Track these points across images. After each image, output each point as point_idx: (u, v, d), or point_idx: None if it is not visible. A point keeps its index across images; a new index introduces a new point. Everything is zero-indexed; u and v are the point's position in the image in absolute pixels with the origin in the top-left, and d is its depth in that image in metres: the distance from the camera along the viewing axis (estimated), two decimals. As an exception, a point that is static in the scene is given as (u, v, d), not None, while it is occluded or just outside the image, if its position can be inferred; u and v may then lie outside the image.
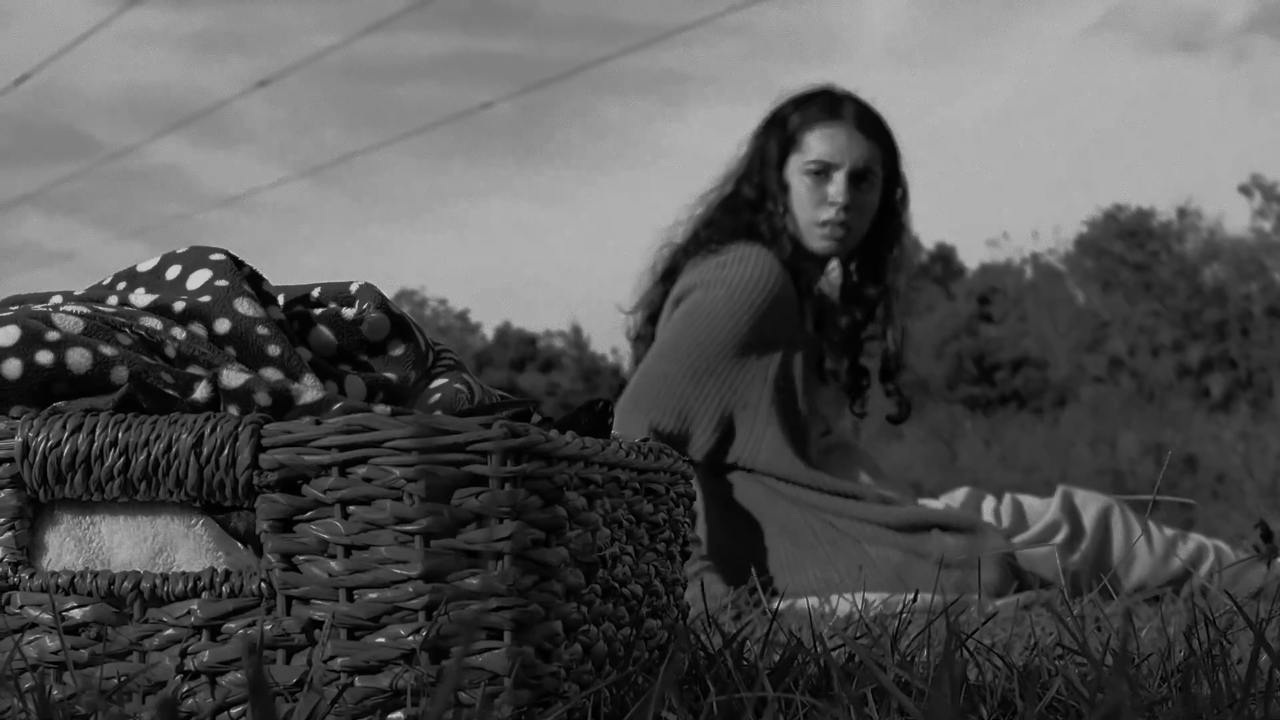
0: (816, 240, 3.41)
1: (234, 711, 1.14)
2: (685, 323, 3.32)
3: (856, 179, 3.40)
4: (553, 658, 1.14)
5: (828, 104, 3.44)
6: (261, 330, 1.29)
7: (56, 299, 1.35)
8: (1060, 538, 3.28)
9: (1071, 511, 3.34)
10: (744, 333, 3.27)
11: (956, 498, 3.40)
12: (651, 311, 3.53)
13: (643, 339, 3.55)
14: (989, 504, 3.37)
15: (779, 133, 3.45)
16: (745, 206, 3.44)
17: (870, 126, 3.43)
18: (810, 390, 3.40)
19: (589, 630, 1.24)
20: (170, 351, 1.26)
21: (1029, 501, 3.39)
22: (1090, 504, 3.36)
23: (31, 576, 1.18)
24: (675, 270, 3.47)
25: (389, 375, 1.35)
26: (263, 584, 1.14)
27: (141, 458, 1.15)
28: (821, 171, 3.39)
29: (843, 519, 3.25)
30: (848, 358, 3.52)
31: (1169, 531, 3.37)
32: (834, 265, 3.55)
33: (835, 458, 3.45)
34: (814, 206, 3.39)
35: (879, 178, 3.45)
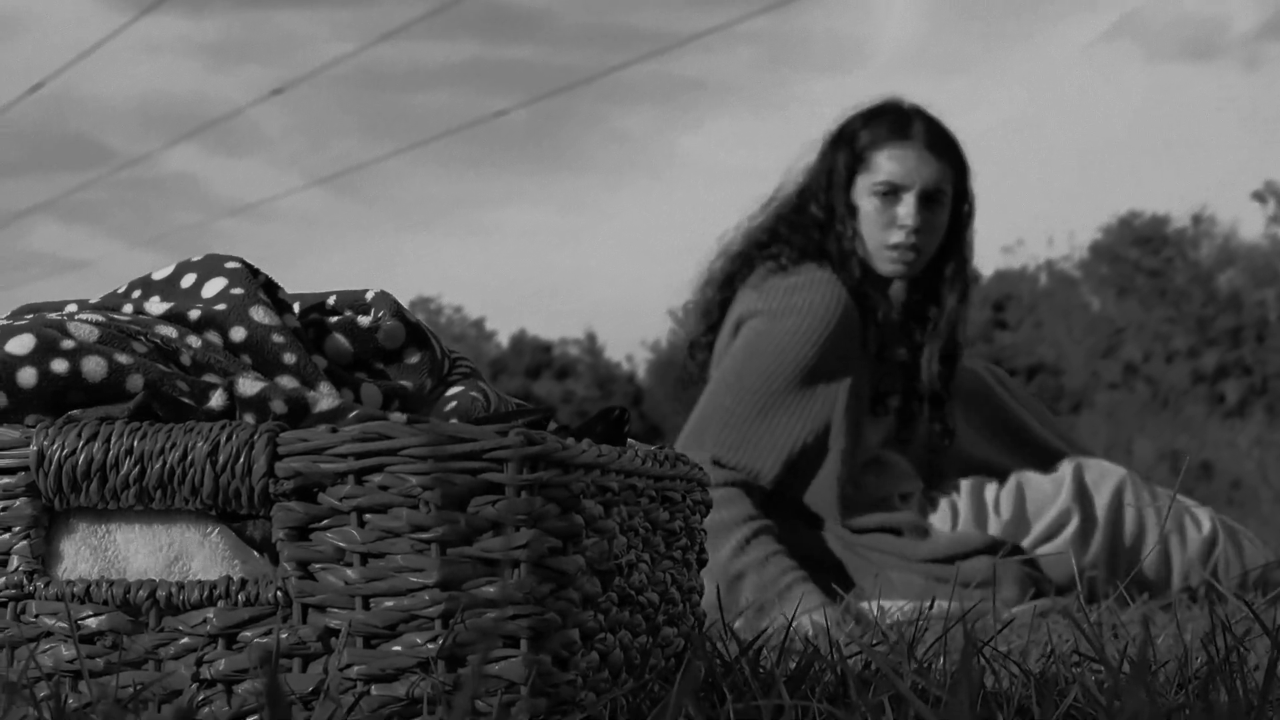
0: (885, 263, 3.33)
1: (250, 720, 1.14)
2: (747, 353, 3.25)
3: (926, 200, 3.31)
4: (569, 666, 1.14)
5: (896, 122, 3.35)
6: (277, 338, 1.29)
7: (71, 307, 1.35)
8: (1071, 529, 3.24)
9: (1083, 496, 3.29)
10: (811, 365, 3.18)
11: (962, 487, 3.35)
12: (710, 322, 3.44)
13: (698, 346, 3.47)
14: (991, 491, 3.33)
15: (846, 151, 3.36)
16: (813, 225, 3.36)
17: (940, 145, 3.35)
18: (865, 422, 3.34)
19: (605, 638, 1.23)
20: (185, 360, 1.26)
21: (1035, 483, 3.33)
22: (1103, 485, 3.30)
23: (47, 585, 1.18)
24: (733, 278, 3.39)
25: (405, 383, 1.35)
26: (279, 592, 1.14)
27: (157, 466, 1.15)
28: (890, 193, 3.31)
29: (871, 551, 3.22)
30: (903, 382, 3.44)
31: (1204, 527, 3.32)
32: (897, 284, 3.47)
33: (869, 478, 3.38)
34: (883, 229, 3.31)
35: (948, 197, 3.36)
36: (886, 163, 3.31)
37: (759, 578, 3.04)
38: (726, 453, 3.19)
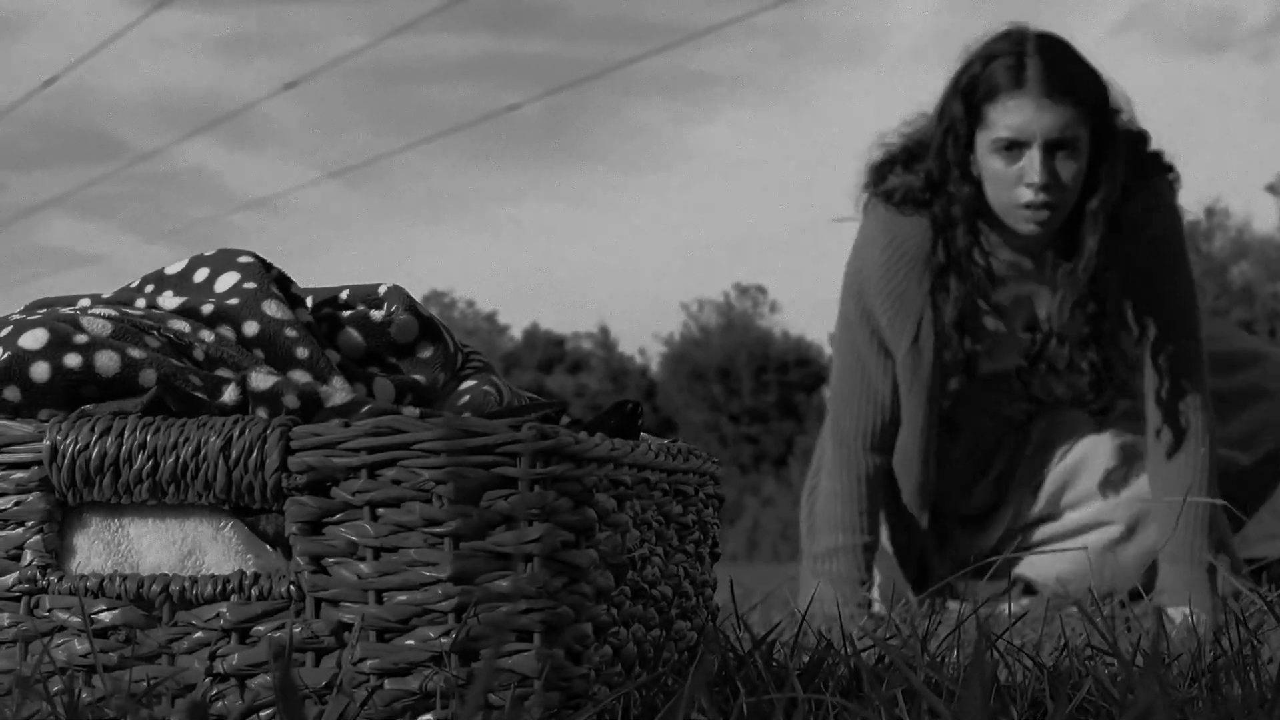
0: (1020, 223, 3.00)
1: (263, 714, 1.14)
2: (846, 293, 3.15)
3: (1052, 150, 2.95)
4: (582, 660, 1.14)
5: (1010, 69, 2.98)
6: (290, 332, 1.29)
7: (85, 302, 1.35)
8: (1105, 538, 3.14)
9: (1138, 516, 3.12)
10: (861, 320, 3.09)
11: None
12: None
13: None
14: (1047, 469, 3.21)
15: (963, 107, 3.03)
16: (927, 180, 3.07)
17: (1061, 88, 2.96)
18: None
19: (618, 632, 1.23)
20: (198, 354, 1.27)
21: (1085, 480, 3.17)
22: (1168, 509, 3.00)
23: (60, 579, 1.19)
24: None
25: (417, 377, 1.35)
26: (292, 586, 1.14)
27: (170, 460, 1.15)
28: (1012, 148, 2.96)
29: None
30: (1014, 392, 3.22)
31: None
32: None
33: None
34: (1010, 187, 2.98)
35: (1082, 141, 2.97)
36: (1003, 116, 2.97)
37: (828, 592, 2.97)
38: (853, 425, 3.12)
